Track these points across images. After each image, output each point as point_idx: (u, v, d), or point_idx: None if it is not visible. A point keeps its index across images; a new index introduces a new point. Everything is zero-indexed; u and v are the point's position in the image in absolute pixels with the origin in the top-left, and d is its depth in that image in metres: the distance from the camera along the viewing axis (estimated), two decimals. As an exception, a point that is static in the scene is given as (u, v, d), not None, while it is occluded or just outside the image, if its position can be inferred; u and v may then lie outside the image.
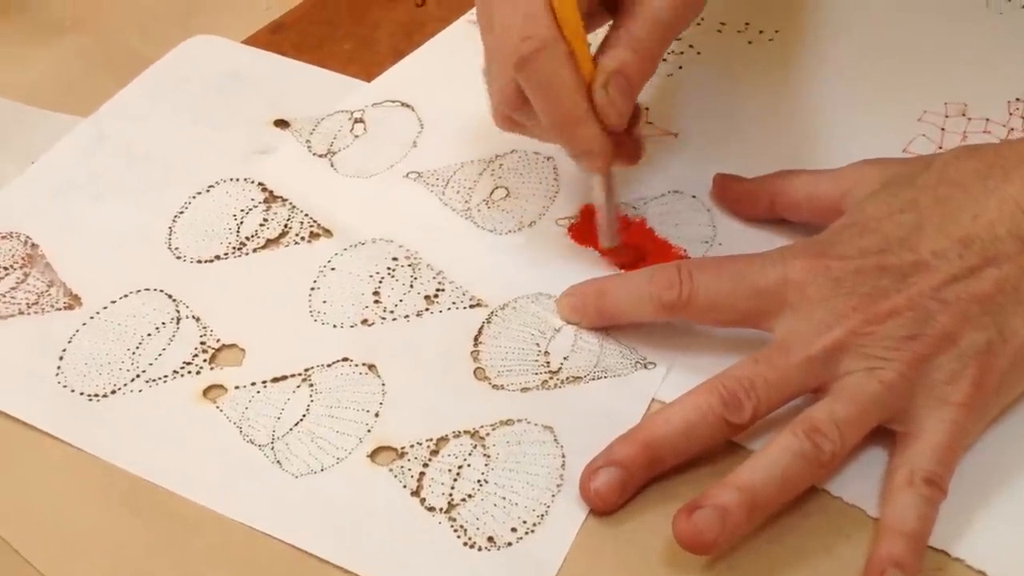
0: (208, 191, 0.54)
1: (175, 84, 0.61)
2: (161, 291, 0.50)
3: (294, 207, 0.54)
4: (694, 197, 0.53)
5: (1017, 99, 0.57)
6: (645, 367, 0.46)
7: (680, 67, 0.61)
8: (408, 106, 0.59)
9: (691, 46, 0.62)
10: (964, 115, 0.56)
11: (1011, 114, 0.56)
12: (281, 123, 0.58)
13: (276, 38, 0.64)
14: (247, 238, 0.52)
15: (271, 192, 0.54)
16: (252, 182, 0.55)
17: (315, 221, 0.53)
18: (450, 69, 0.61)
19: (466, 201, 0.54)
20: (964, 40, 0.60)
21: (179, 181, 0.55)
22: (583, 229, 0.52)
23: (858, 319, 0.42)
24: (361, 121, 0.58)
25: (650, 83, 0.58)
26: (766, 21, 0.63)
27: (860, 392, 0.41)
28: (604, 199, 0.48)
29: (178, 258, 0.51)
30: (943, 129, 0.56)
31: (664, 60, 0.61)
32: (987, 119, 0.56)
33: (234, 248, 0.52)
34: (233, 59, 0.62)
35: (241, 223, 0.53)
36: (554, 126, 0.45)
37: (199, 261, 0.51)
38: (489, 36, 0.46)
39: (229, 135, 0.57)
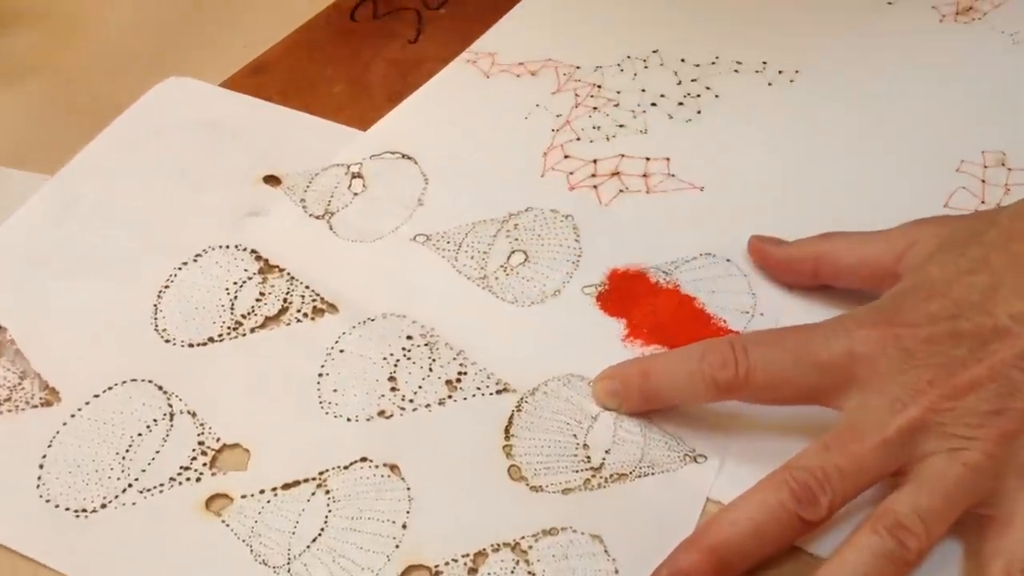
0: (195, 261, 0.49)
1: (149, 135, 0.55)
2: (150, 382, 0.45)
3: (293, 278, 0.49)
4: (728, 261, 0.49)
5: (1057, 146, 0.54)
6: (695, 460, 0.42)
7: (699, 111, 0.57)
8: (409, 158, 0.54)
9: (708, 88, 0.58)
10: (1004, 164, 0.53)
11: (1053, 163, 0.53)
12: (271, 179, 0.53)
13: (258, 80, 0.59)
14: (243, 316, 0.47)
15: (266, 261, 0.49)
16: (244, 249, 0.50)
17: (317, 294, 0.48)
18: (452, 115, 0.57)
19: (482, 268, 0.49)
20: (994, 83, 0.57)
21: (161, 249, 0.50)
22: (612, 297, 0.48)
23: (935, 394, 0.38)
24: (359, 176, 0.53)
25: (670, 131, 0.55)
26: (785, 60, 0.59)
27: (943, 478, 0.38)
28: None
29: (167, 341, 0.46)
30: (983, 181, 0.52)
31: (681, 104, 0.57)
32: (1030, 169, 0.53)
33: (229, 328, 0.47)
34: (212, 105, 0.57)
35: (235, 298, 0.48)
36: None
37: (191, 344, 0.46)
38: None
39: (214, 194, 0.52)
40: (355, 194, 0.52)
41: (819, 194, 0.52)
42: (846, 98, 0.57)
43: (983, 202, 0.51)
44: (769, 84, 0.58)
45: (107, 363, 0.45)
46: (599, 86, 0.58)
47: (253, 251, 0.50)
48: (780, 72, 0.59)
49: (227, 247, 0.50)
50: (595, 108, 0.57)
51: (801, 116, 0.56)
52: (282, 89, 0.58)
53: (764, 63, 0.59)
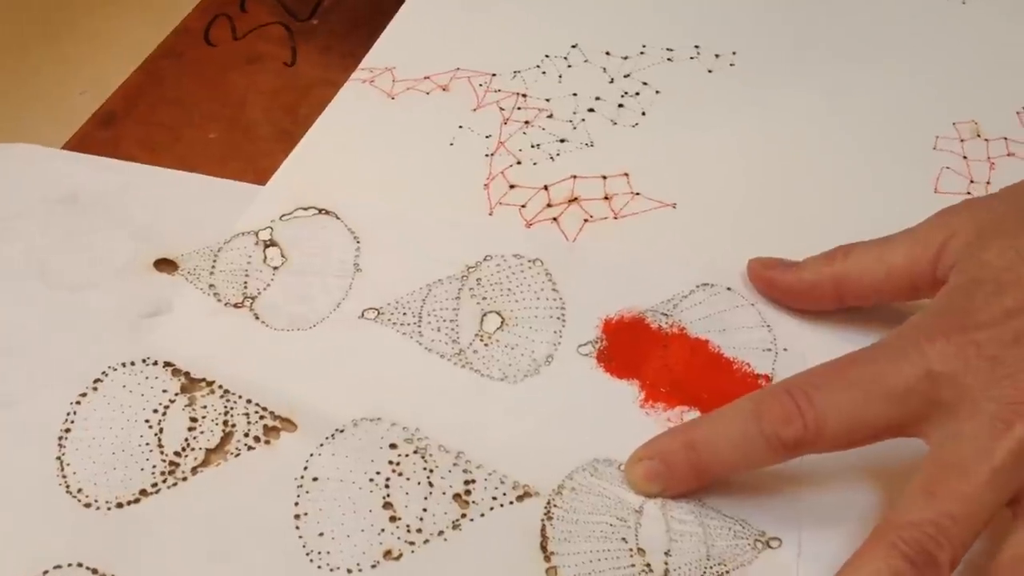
0: (95, 389, 0.38)
1: (-10, 225, 0.43)
2: (79, 565, 0.34)
3: (227, 392, 0.39)
4: (730, 290, 0.43)
5: (1024, 108, 0.50)
6: (768, 545, 0.36)
7: (643, 113, 0.50)
8: (328, 213, 0.45)
9: (645, 84, 0.51)
10: (979, 135, 0.49)
11: (1025, 127, 0.49)
12: (164, 264, 0.43)
13: (110, 135, 0.47)
14: (177, 453, 0.37)
15: (187, 375, 0.39)
16: (154, 363, 0.39)
17: (264, 409, 0.38)
18: (363, 150, 0.48)
19: (454, 341, 0.41)
20: (948, 47, 0.53)
21: (45, 380, 0.39)
22: (615, 355, 0.41)
23: None
24: (274, 244, 0.44)
25: (619, 139, 0.48)
26: (719, 42, 0.53)
27: None
28: None
29: (86, 505, 0.36)
30: (965, 157, 0.48)
31: (622, 106, 0.50)
32: (1005, 138, 0.49)
33: (163, 473, 0.37)
34: (63, 175, 0.45)
35: (161, 431, 0.38)
36: None
37: (118, 504, 0.36)
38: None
39: (96, 294, 0.41)
40: (274, 268, 0.43)
41: (800, 194, 0.46)
42: (794, 81, 0.51)
43: (972, 181, 0.47)
44: (709, 71, 0.52)
45: (17, 550, 0.34)
46: (524, 95, 0.50)
47: (167, 364, 0.39)
48: (717, 56, 0.52)
49: (131, 364, 0.39)
50: (527, 122, 0.49)
51: (754, 105, 0.50)
52: (143, 142, 0.47)
53: (696, 47, 0.53)
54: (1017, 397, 0.33)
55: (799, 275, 0.41)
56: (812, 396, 0.34)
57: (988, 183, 0.47)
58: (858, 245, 0.41)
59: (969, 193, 0.46)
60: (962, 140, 0.49)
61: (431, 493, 0.37)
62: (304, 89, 0.50)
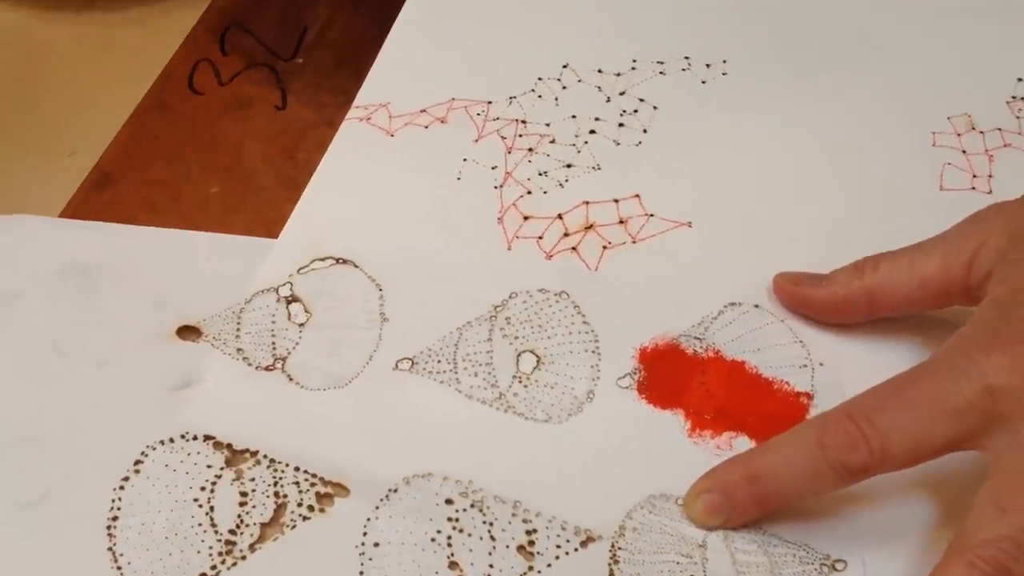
0: (137, 472, 0.37)
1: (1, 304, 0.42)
2: (149, 664, 0.33)
3: (273, 461, 0.38)
4: (758, 307, 0.43)
5: (1012, 97, 0.51)
6: (834, 568, 0.36)
7: (644, 130, 0.49)
8: (346, 262, 0.44)
9: (642, 100, 0.51)
10: (974, 128, 0.50)
11: (1018, 117, 0.50)
12: (188, 331, 0.41)
13: (107, 198, 0.46)
14: (232, 532, 0.36)
15: (230, 446, 0.38)
16: (194, 438, 0.38)
17: (314, 475, 0.38)
18: (371, 193, 0.47)
19: (493, 385, 0.40)
20: (930, 40, 0.53)
21: (85, 467, 0.37)
22: (654, 385, 0.41)
23: None
24: (296, 299, 0.43)
25: (625, 160, 0.48)
26: (708, 52, 0.53)
27: None
28: None
29: (146, 598, 0.35)
30: (964, 152, 0.49)
31: (622, 125, 0.49)
32: (999, 129, 0.49)
33: (221, 554, 0.36)
34: (68, 245, 0.44)
35: (212, 509, 0.37)
36: None
37: (180, 593, 0.35)
38: None
39: (122, 370, 0.40)
40: (300, 325, 0.42)
41: (811, 202, 0.47)
42: (786, 86, 0.52)
43: (975, 175, 0.48)
44: (703, 82, 0.52)
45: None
46: (523, 121, 0.49)
47: (207, 437, 0.38)
48: (708, 66, 0.52)
49: (171, 441, 0.38)
50: (531, 150, 0.48)
51: (751, 114, 0.50)
52: (143, 202, 0.46)
53: (687, 58, 0.53)
54: None
55: (831, 290, 0.41)
56: (874, 420, 0.35)
57: (990, 176, 0.48)
58: (886, 256, 0.41)
59: (973, 188, 0.47)
60: (958, 134, 0.49)
61: (495, 548, 0.36)
62: (300, 132, 0.49)
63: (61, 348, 0.40)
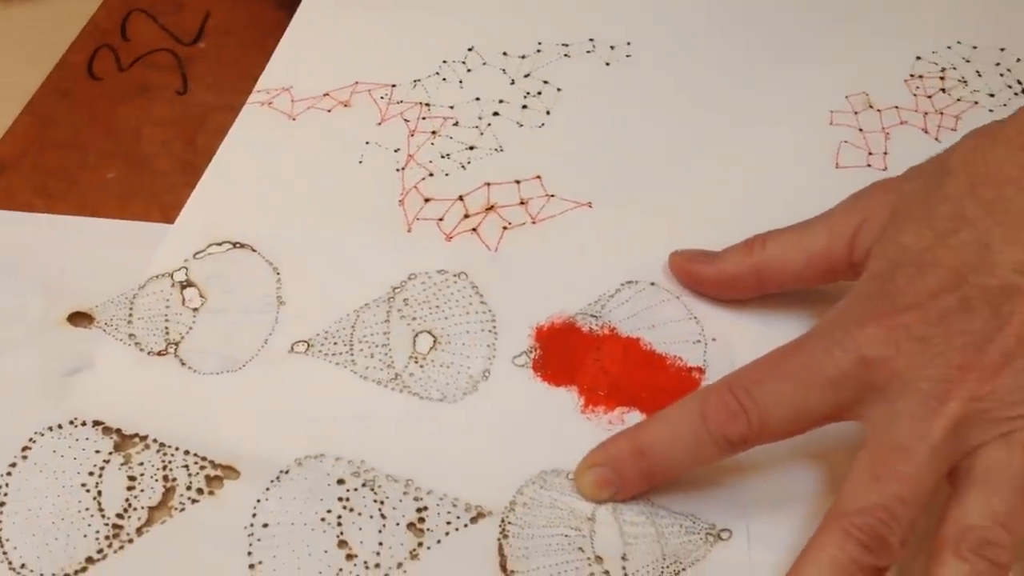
0: (25, 458, 0.37)
1: None
2: (31, 647, 0.33)
3: (163, 445, 0.38)
4: (653, 284, 0.43)
5: (911, 75, 0.52)
6: (719, 537, 0.37)
7: (548, 112, 0.50)
8: (243, 246, 0.44)
9: (546, 82, 0.51)
10: (871, 106, 0.50)
11: (915, 95, 0.51)
12: (79, 318, 0.41)
13: (3, 185, 0.46)
14: (120, 516, 0.36)
15: (119, 431, 0.38)
16: (83, 423, 0.38)
17: (204, 459, 0.38)
18: (271, 176, 0.47)
19: (389, 365, 0.41)
20: (831, 19, 0.54)
21: (-31, 453, 0.37)
22: (550, 363, 0.41)
23: (971, 379, 0.34)
24: (190, 284, 0.42)
25: (527, 142, 0.48)
26: (612, 34, 0.53)
27: (1007, 470, 0.34)
28: None
29: (30, 583, 0.34)
30: (861, 130, 0.49)
31: (525, 107, 0.50)
32: (896, 107, 0.50)
33: (107, 537, 0.36)
34: (-42, 233, 0.43)
35: (100, 494, 0.36)
36: None
37: (65, 575, 0.35)
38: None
39: (12, 357, 0.40)
40: (194, 310, 0.42)
41: (710, 181, 0.47)
42: (691, 67, 0.52)
43: (871, 153, 0.48)
44: (607, 64, 0.52)
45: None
46: (427, 104, 0.49)
47: (96, 423, 0.38)
48: (612, 48, 0.53)
49: (59, 427, 0.38)
50: (434, 132, 0.48)
51: (654, 96, 0.51)
52: (38, 189, 0.45)
53: (591, 40, 0.53)
54: (948, 375, 0.34)
55: (720, 267, 0.42)
56: (752, 391, 0.35)
57: (885, 153, 0.48)
58: (774, 234, 0.41)
59: (869, 166, 0.48)
60: (856, 112, 0.50)
61: (384, 526, 0.36)
62: (200, 117, 0.48)
63: (-52, 336, 0.40)
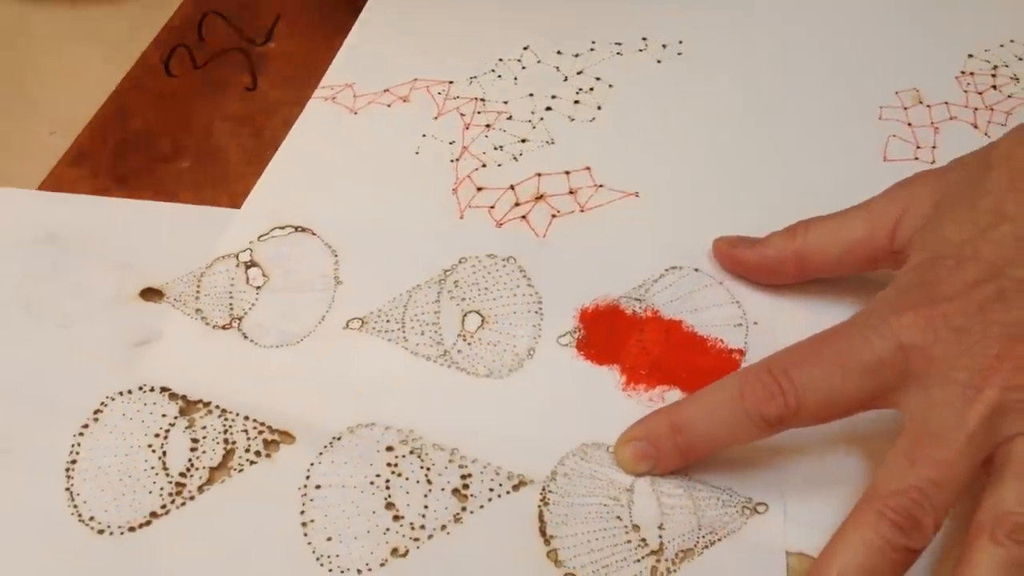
0: (96, 420, 0.40)
1: (-26, 270, 0.44)
2: (97, 591, 0.35)
3: (225, 411, 0.40)
4: (697, 271, 0.45)
5: (962, 72, 0.52)
6: (756, 511, 0.38)
7: (599, 107, 0.51)
8: (305, 230, 0.46)
9: (598, 79, 0.53)
10: (921, 102, 0.51)
11: (965, 91, 0.51)
12: (150, 293, 0.44)
13: (83, 172, 0.49)
14: (183, 474, 0.38)
15: (184, 398, 0.40)
16: (151, 389, 0.41)
17: (262, 424, 0.40)
18: (332, 166, 0.49)
19: (438, 343, 0.42)
20: (879, 20, 0.55)
21: (48, 417, 0.40)
22: (593, 343, 0.42)
23: (1007, 368, 0.34)
24: (254, 265, 0.45)
25: (578, 135, 0.49)
26: (665, 32, 0.55)
27: None
28: None
29: (99, 532, 0.37)
30: (910, 124, 0.50)
31: (577, 103, 0.51)
32: (946, 103, 0.51)
33: (171, 495, 0.38)
34: (43, 215, 0.46)
35: (164, 454, 0.39)
36: None
37: (131, 528, 0.37)
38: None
39: (85, 329, 0.42)
40: (257, 288, 0.44)
41: (757, 174, 0.48)
42: (742, 64, 0.53)
43: (919, 147, 0.49)
44: (659, 62, 0.53)
45: (32, 583, 0.35)
46: (482, 99, 0.51)
47: (164, 389, 0.41)
48: (664, 47, 0.54)
49: (129, 392, 0.40)
50: (488, 126, 0.50)
51: (704, 92, 0.52)
52: (118, 177, 0.48)
53: (644, 39, 0.54)
54: (984, 364, 0.35)
55: (763, 251, 0.43)
56: (791, 374, 0.36)
57: (934, 147, 0.49)
58: (817, 220, 0.42)
59: (916, 159, 0.48)
60: (905, 108, 0.51)
61: (431, 490, 0.38)
62: (268, 112, 0.51)
63: (30, 307, 0.43)
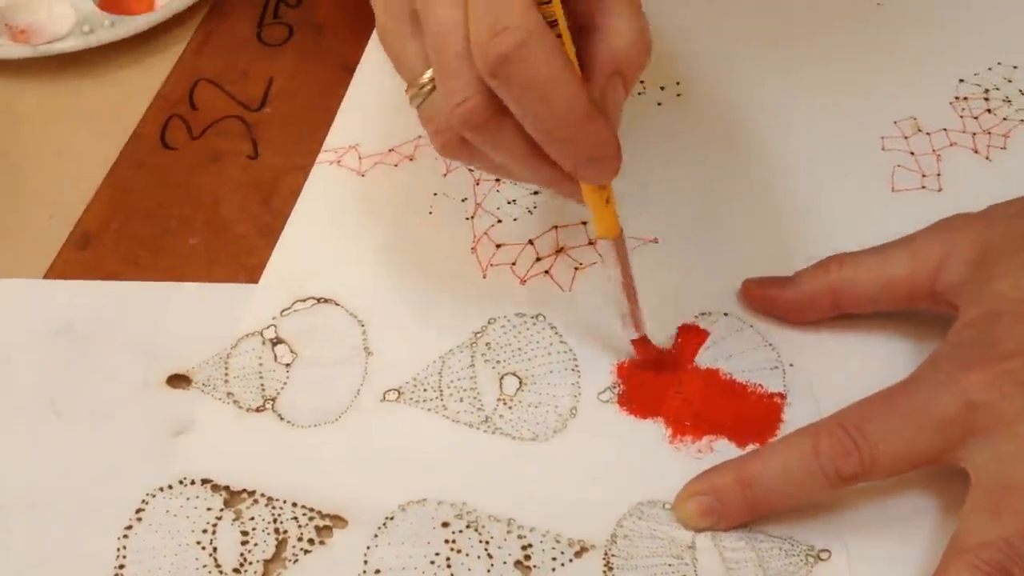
0: (140, 520, 0.38)
1: (-11, 367, 0.43)
2: None
3: (271, 499, 0.39)
4: (726, 315, 0.45)
5: (955, 98, 0.53)
6: (819, 558, 0.38)
7: (606, 154, 0.51)
8: (328, 301, 0.45)
9: (601, 125, 0.52)
10: (920, 130, 0.52)
11: (961, 116, 0.52)
12: (178, 380, 0.43)
13: (90, 257, 0.47)
14: (236, 571, 0.37)
15: (227, 488, 0.39)
16: (192, 483, 0.39)
17: (312, 510, 0.39)
18: (347, 231, 0.48)
19: (479, 409, 0.42)
20: (872, 51, 0.56)
21: (89, 521, 0.38)
22: (634, 397, 0.42)
23: None
24: (281, 341, 0.44)
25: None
26: (661, 75, 0.55)
27: None
28: (621, 272, 0.40)
29: (158, 639, 0.36)
30: (912, 153, 0.51)
31: (584, 150, 0.51)
32: (944, 129, 0.52)
33: (227, 592, 0.37)
34: (57, 305, 0.45)
35: (215, 550, 0.38)
36: (551, 132, 0.35)
37: (190, 632, 0.36)
38: (419, 41, 0.36)
39: (118, 424, 0.41)
40: (286, 365, 0.43)
41: (767, 212, 0.49)
42: (740, 102, 0.53)
43: (924, 175, 0.50)
44: (659, 104, 0.53)
45: None
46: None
47: (205, 480, 0.39)
48: (662, 89, 0.54)
49: (170, 487, 0.39)
50: (498, 180, 0.50)
51: (707, 132, 0.52)
52: (126, 258, 0.47)
53: (642, 83, 0.54)
54: None
55: (798, 288, 0.43)
56: (864, 429, 0.36)
57: (939, 174, 0.50)
58: (852, 256, 0.43)
59: (924, 187, 0.49)
60: (906, 137, 0.51)
61: (493, 565, 0.37)
62: (273, 179, 0.50)
63: (58, 407, 0.41)
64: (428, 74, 0.36)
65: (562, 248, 0.47)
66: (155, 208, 0.49)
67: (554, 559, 0.38)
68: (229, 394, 0.42)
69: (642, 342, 0.42)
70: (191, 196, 0.49)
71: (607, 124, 0.35)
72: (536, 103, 0.34)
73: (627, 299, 0.41)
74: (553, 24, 0.34)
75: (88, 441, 0.40)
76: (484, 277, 0.46)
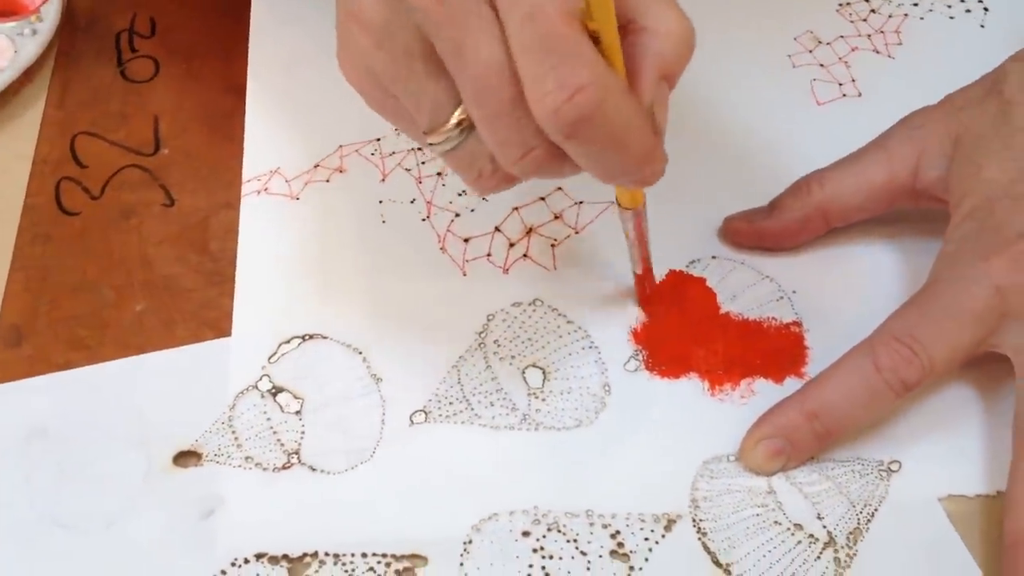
0: (204, 617, 0.35)
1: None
2: None
3: (338, 556, 0.36)
4: (714, 258, 0.44)
5: (840, 4, 0.55)
6: (891, 470, 0.38)
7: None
8: (313, 336, 0.42)
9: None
10: (820, 41, 0.53)
11: (852, 22, 0.54)
12: (186, 458, 0.39)
13: (30, 351, 0.42)
14: (331, 641, 0.34)
15: (286, 556, 0.36)
16: (246, 561, 0.36)
17: (384, 555, 0.36)
18: (305, 260, 0.45)
19: (512, 409, 0.40)
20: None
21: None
22: (660, 358, 0.42)
23: None
24: (281, 390, 0.40)
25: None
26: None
27: None
28: (637, 236, 0.40)
29: None
30: (822, 65, 0.52)
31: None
32: (842, 36, 0.53)
33: (330, 667, 0.34)
34: (14, 411, 0.40)
35: (300, 627, 0.34)
36: (621, 173, 0.33)
37: None
38: (439, 81, 0.31)
39: (137, 522, 0.37)
40: (296, 413, 0.40)
41: (711, 151, 0.48)
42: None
43: (840, 84, 0.51)
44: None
45: None
46: (420, 149, 0.49)
47: (259, 556, 0.36)
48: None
49: (223, 573, 0.35)
50: (439, 173, 0.48)
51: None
52: (69, 344, 0.42)
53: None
54: None
55: (786, 215, 0.43)
56: (918, 335, 0.37)
57: (853, 80, 0.51)
58: (827, 172, 0.43)
59: (844, 95, 0.50)
60: (810, 51, 0.52)
61: (590, 562, 0.36)
62: (200, 223, 0.46)
63: (60, 520, 0.36)
64: (458, 114, 0.32)
65: (531, 229, 0.46)
66: (81, 282, 0.44)
67: (646, 539, 0.37)
68: (248, 458, 0.38)
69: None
70: (116, 260, 0.45)
71: (661, 140, 0.32)
72: (612, 154, 0.31)
73: (641, 259, 0.40)
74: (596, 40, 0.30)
75: (107, 549, 0.36)
76: (464, 275, 0.44)
